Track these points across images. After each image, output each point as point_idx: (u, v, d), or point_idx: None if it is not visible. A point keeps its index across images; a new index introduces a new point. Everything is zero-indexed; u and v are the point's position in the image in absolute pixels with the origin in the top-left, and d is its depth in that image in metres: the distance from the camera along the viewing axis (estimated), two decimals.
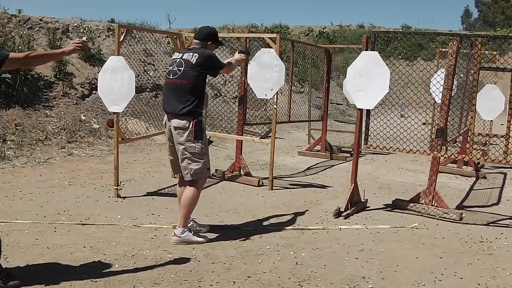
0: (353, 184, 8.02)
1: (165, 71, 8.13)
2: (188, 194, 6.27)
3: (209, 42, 6.49)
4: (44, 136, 12.12)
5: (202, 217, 7.34)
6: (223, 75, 16.93)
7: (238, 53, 7.09)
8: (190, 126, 6.11)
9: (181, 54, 6.42)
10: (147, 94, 16.08)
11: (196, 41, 6.48)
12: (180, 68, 6.24)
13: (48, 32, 15.66)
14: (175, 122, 6.18)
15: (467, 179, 11.06)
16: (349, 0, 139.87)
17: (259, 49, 9.38)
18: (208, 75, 6.43)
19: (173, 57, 6.58)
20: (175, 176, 6.67)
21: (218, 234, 6.65)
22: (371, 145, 8.20)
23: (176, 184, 9.05)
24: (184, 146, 6.18)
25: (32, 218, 7.06)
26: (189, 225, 6.41)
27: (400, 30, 26.32)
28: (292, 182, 10.02)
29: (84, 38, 5.23)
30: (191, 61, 6.23)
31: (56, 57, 5.65)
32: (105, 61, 15.21)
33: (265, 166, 11.26)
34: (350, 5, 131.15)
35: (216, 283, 5.18)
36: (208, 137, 10.58)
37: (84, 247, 6.04)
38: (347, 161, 12.40)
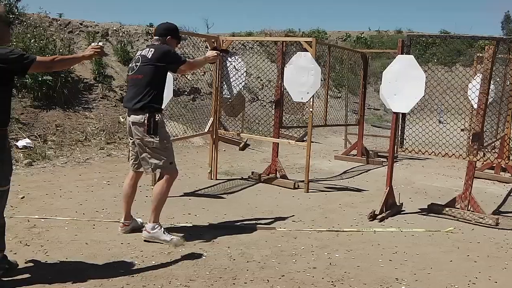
0: (388, 187, 8.03)
1: (203, 74, 8.21)
2: (156, 190, 6.31)
3: (169, 37, 6.47)
4: (84, 137, 12.32)
5: (238, 218, 7.44)
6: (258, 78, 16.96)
7: (211, 49, 7.11)
8: (144, 121, 6.09)
9: (140, 51, 6.44)
10: (184, 97, 16.24)
11: (155, 37, 6.50)
12: (137, 64, 6.25)
13: (88, 36, 15.92)
14: (132, 117, 6.17)
15: (504, 185, 10.97)
16: (387, 6, 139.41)
17: (295, 53, 9.42)
18: (168, 70, 6.44)
19: (135, 56, 6.54)
20: (134, 170, 6.60)
21: (253, 235, 6.73)
22: (406, 148, 8.20)
23: (212, 186, 9.21)
24: (142, 141, 6.18)
25: (72, 215, 7.21)
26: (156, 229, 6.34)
27: (436, 34, 26.17)
28: (327, 185, 10.06)
29: (101, 43, 5.33)
30: (147, 56, 6.21)
31: (78, 61, 5.77)
32: None
33: (301, 170, 11.29)
34: (388, 10, 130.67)
35: (250, 281, 5.25)
36: (245, 140, 10.69)
37: (121, 243, 6.16)
38: (383, 166, 12.38)
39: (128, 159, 6.79)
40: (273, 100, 16.63)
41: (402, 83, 7.66)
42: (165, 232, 6.32)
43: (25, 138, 11.29)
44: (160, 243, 6.19)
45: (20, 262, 5.48)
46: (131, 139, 6.43)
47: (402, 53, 7.92)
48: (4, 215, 4.95)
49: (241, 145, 11.96)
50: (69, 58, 5.45)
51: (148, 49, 6.33)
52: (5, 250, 5.08)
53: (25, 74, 4.87)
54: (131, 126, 6.21)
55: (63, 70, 13.28)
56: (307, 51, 9.14)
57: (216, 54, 7.04)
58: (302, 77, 8.95)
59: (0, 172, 4.72)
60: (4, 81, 4.61)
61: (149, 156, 6.21)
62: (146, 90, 6.12)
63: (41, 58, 4.90)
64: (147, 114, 6.07)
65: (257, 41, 21.22)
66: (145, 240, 6.23)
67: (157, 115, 6.16)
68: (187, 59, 6.76)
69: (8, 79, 4.65)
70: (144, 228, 6.34)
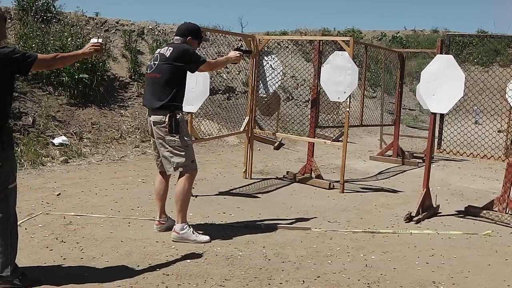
0: (425, 189, 7.94)
1: (238, 73, 8.16)
2: (177, 189, 6.27)
3: (189, 38, 6.45)
4: (119, 135, 12.39)
5: (273, 218, 7.42)
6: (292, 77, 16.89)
7: (234, 50, 7.03)
8: (166, 120, 6.08)
9: (160, 50, 6.43)
10: (220, 96, 16.24)
11: (176, 37, 6.48)
12: (155, 62, 6.24)
13: (124, 34, 15.99)
14: (153, 117, 6.16)
15: None
16: (423, 5, 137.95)
17: (331, 53, 9.37)
18: (187, 70, 6.36)
19: (154, 55, 6.53)
20: (160, 169, 6.59)
21: (288, 235, 6.69)
22: (444, 149, 8.10)
23: (247, 185, 9.19)
24: (163, 140, 6.17)
25: (107, 212, 7.24)
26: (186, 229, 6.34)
27: (475, 34, 25.87)
28: (363, 186, 9.99)
29: (100, 40, 5.23)
30: (166, 55, 6.21)
31: (78, 58, 5.73)
32: None
33: (336, 170, 11.24)
34: (424, 9, 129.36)
35: (285, 281, 5.22)
36: (279, 140, 10.66)
37: (156, 241, 6.17)
38: (419, 167, 12.26)
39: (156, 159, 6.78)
40: (307, 99, 16.59)
41: (441, 83, 7.56)
42: (194, 232, 6.33)
43: (61, 135, 11.38)
44: (190, 242, 6.20)
45: (56, 258, 5.54)
46: (153, 140, 6.42)
47: (441, 53, 7.82)
48: (39, 212, 4.96)
49: (275, 145, 11.92)
50: (70, 56, 5.41)
51: (167, 47, 6.34)
52: None
53: (28, 73, 4.83)
54: (152, 126, 6.22)
55: (99, 68, 13.39)
56: (344, 50, 9.08)
57: (239, 54, 6.95)
58: (339, 76, 8.89)
59: (6, 169, 4.70)
60: (6, 80, 4.62)
61: (171, 155, 6.20)
62: (165, 89, 6.13)
63: (42, 56, 4.88)
64: (168, 114, 6.07)
65: (292, 40, 21.14)
66: (173, 241, 6.23)
67: (177, 114, 6.15)
68: (207, 59, 6.72)
69: (10, 78, 4.66)
70: (173, 229, 6.33)
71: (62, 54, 5.24)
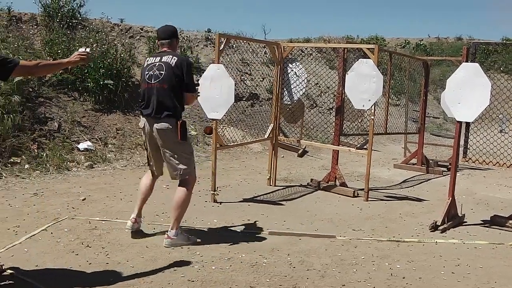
0: (450, 198, 7.89)
1: (261, 80, 8.13)
2: (180, 196, 6.29)
3: (175, 39, 6.50)
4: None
5: (297, 225, 7.41)
6: None
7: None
8: (175, 127, 6.09)
9: (159, 58, 6.35)
10: (243, 103, 16.26)
11: (164, 41, 6.44)
12: (161, 72, 6.19)
13: (148, 41, 16.10)
14: (159, 125, 6.12)
15: None
16: (447, 12, 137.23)
17: (355, 60, 9.34)
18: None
19: (149, 62, 6.44)
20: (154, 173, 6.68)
21: (313, 242, 6.67)
22: (470, 158, 8.05)
23: (271, 192, 9.18)
24: (171, 148, 6.19)
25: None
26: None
27: (501, 42, 25.67)
28: (387, 194, 9.93)
29: (88, 50, 5.19)
30: (171, 64, 6.20)
31: (63, 66, 5.68)
32: (203, 69, 15.61)
33: (360, 178, 11.21)
34: (448, 17, 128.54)
35: None
36: (303, 147, 10.64)
37: (181, 248, 6.18)
38: (444, 176, 12.18)
39: (148, 163, 6.80)
40: (331, 107, 16.56)
41: (467, 92, 7.51)
42: (184, 234, 6.43)
43: (86, 140, 11.46)
44: (184, 246, 6.27)
45: (82, 263, 5.58)
46: (152, 147, 6.43)
47: (467, 61, 7.77)
48: (65, 217, 4.99)
49: (299, 152, 11.90)
50: (54, 64, 5.40)
51: (170, 56, 6.30)
52: None
53: (7, 78, 4.76)
54: (157, 134, 6.18)
55: (123, 74, 13.47)
56: (368, 57, 9.05)
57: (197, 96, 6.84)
58: (364, 84, 8.85)
59: None
60: None
61: (177, 162, 6.23)
62: (171, 97, 6.15)
63: (24, 63, 4.86)
64: (177, 121, 6.11)
65: (316, 47, 21.12)
66: (166, 246, 6.24)
67: (185, 121, 6.23)
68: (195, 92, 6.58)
69: None
70: (166, 236, 6.32)
71: (46, 62, 5.23)
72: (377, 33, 33.02)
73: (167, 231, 6.35)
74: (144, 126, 6.37)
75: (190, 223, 7.27)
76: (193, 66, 6.32)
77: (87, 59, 5.18)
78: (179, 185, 6.37)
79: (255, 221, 7.54)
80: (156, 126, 6.16)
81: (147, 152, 6.70)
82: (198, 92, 6.75)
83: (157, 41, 6.70)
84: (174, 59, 6.25)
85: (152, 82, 6.23)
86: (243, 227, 7.23)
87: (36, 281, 5.06)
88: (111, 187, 9.08)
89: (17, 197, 8.24)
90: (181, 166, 6.24)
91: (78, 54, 5.08)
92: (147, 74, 6.33)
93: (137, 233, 6.62)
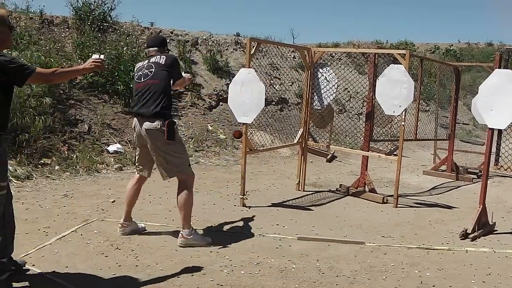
0: (481, 206, 7.80)
1: (290, 85, 8.13)
2: (182, 197, 6.31)
3: (162, 48, 6.58)
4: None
5: (326, 231, 7.38)
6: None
7: (184, 73, 7.16)
8: (162, 127, 6.08)
9: (147, 60, 6.46)
10: (272, 107, 16.25)
11: (154, 48, 6.52)
12: (151, 70, 6.26)
13: (178, 44, 16.17)
14: (147, 124, 6.13)
15: None
16: (477, 17, 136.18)
17: (384, 65, 9.28)
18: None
19: (138, 66, 6.57)
20: (139, 173, 6.70)
21: (342, 248, 6.64)
22: (502, 166, 7.96)
23: (300, 197, 9.16)
24: (158, 147, 6.18)
25: (161, 221, 7.30)
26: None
27: None
28: (416, 200, 9.85)
29: (102, 56, 5.24)
30: (161, 62, 6.28)
31: (78, 73, 5.81)
32: (233, 73, 15.67)
33: (388, 184, 11.14)
34: (478, 22, 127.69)
35: None
36: (332, 152, 10.61)
37: (210, 252, 6.20)
38: (474, 183, 12.07)
39: (135, 163, 6.88)
40: (360, 112, 16.49)
41: (499, 98, 7.41)
42: (198, 234, 6.52)
43: (115, 143, 11.52)
44: (197, 246, 6.33)
45: (111, 265, 5.62)
46: (141, 147, 6.45)
47: (499, 67, 7.69)
48: (95, 218, 5.01)
49: (328, 157, 11.90)
50: (70, 71, 5.48)
51: (157, 56, 6.39)
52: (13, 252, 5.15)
53: (22, 84, 4.83)
54: (146, 134, 6.18)
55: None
56: (399, 63, 9.00)
57: (190, 76, 7.33)
58: (395, 90, 8.79)
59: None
60: (3, 89, 4.65)
61: (165, 161, 6.24)
62: (162, 95, 6.19)
63: (41, 70, 4.91)
64: (167, 120, 6.12)
65: (345, 52, 21.06)
66: (180, 246, 6.31)
67: (174, 120, 6.26)
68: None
69: (6, 87, 4.69)
70: (180, 235, 6.39)
71: (62, 69, 5.30)
72: (406, 38, 32.83)
73: (180, 231, 6.42)
74: (135, 126, 6.42)
75: (219, 227, 7.28)
76: (178, 61, 6.49)
77: (102, 66, 5.23)
78: (178, 187, 6.39)
79: (283, 226, 7.51)
80: (144, 126, 6.17)
81: (135, 152, 6.73)
82: (189, 75, 7.14)
83: (146, 49, 6.78)
84: (163, 57, 6.36)
85: (142, 80, 6.31)
86: (272, 231, 7.20)
87: (67, 282, 5.11)
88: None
89: (47, 198, 8.31)
90: (171, 166, 6.26)
91: (93, 61, 5.14)
92: (136, 75, 6.45)
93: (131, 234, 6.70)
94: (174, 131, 6.17)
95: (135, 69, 6.61)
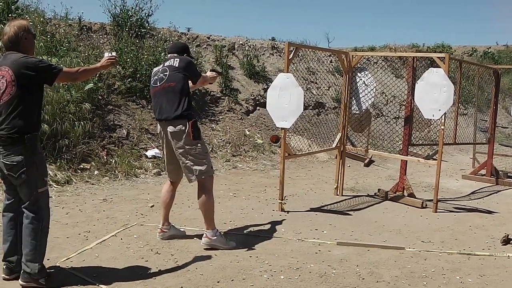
0: None
1: (327, 89, 8.10)
2: (203, 199, 6.34)
3: (185, 55, 6.58)
4: (210, 149, 12.52)
5: (365, 236, 7.34)
6: None
7: (210, 71, 7.17)
8: (187, 128, 6.11)
9: (162, 65, 6.51)
10: (309, 111, 16.22)
11: (173, 54, 6.54)
12: (165, 73, 6.28)
13: (215, 50, 16.23)
14: (171, 128, 6.16)
15: None
16: None
17: (422, 69, 9.20)
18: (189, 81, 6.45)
19: (154, 70, 6.61)
20: (169, 178, 6.83)
21: (381, 254, 6.59)
22: None
23: (338, 202, 9.13)
24: (184, 150, 6.18)
25: (200, 225, 7.28)
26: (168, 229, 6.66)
27: None
28: (456, 205, 9.75)
29: (114, 53, 5.51)
30: (175, 65, 6.29)
31: (98, 70, 6.03)
32: (269, 78, 15.68)
33: (427, 188, 11.05)
34: None
35: None
36: (370, 156, 10.56)
37: (250, 256, 6.20)
38: None
39: (165, 168, 6.99)
40: (397, 116, 16.38)
41: None
42: (223, 237, 6.53)
43: (154, 148, 11.60)
44: (220, 249, 6.37)
45: (151, 269, 5.67)
46: (167, 151, 6.52)
47: None
48: (134, 223, 5.04)
49: (366, 161, 11.82)
50: (91, 69, 5.71)
51: (171, 60, 6.43)
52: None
53: (52, 83, 5.09)
54: (170, 137, 6.24)
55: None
56: (438, 66, 8.91)
57: (216, 75, 7.16)
58: (434, 93, 8.71)
59: (34, 174, 4.94)
60: (34, 88, 4.91)
61: (192, 163, 6.24)
62: (180, 97, 6.20)
63: (67, 69, 5.26)
64: (190, 121, 6.16)
65: (381, 56, 20.95)
66: (205, 249, 6.36)
67: (197, 120, 6.31)
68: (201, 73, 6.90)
69: (37, 86, 4.95)
70: (204, 235, 6.44)
71: (85, 68, 5.62)
72: (444, 40, 32.50)
73: (204, 232, 6.49)
74: (160, 132, 6.48)
75: (258, 231, 7.29)
76: (193, 62, 6.52)
77: (116, 62, 5.55)
78: (198, 189, 6.42)
79: (322, 231, 7.49)
80: (169, 129, 6.21)
81: (164, 157, 6.78)
82: (214, 72, 7.15)
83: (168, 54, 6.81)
84: (177, 60, 6.38)
85: (158, 84, 6.34)
86: (311, 236, 7.18)
87: (109, 287, 5.14)
88: (179, 194, 9.09)
89: (87, 203, 8.40)
90: (197, 168, 6.26)
91: (108, 59, 5.43)
92: (152, 80, 6.49)
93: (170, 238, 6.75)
94: (199, 131, 6.26)
95: (152, 74, 6.67)
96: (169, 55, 6.63)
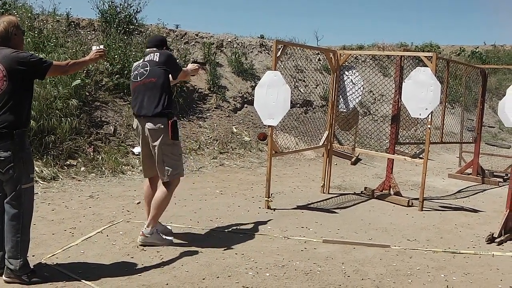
0: (508, 210, 7.73)
1: (315, 87, 8.11)
2: (161, 196, 6.29)
3: (164, 47, 6.52)
4: (197, 146, 12.53)
5: (351, 234, 7.37)
6: None
7: (192, 63, 7.09)
8: (166, 127, 6.05)
9: (142, 60, 6.46)
10: (297, 109, 16.23)
11: (151, 49, 6.45)
12: (146, 69, 6.20)
13: (203, 47, 16.20)
14: (150, 125, 6.09)
15: None
16: (503, 19, 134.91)
17: (409, 68, 9.22)
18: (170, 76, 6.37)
19: (134, 65, 6.54)
20: (144, 174, 6.77)
21: (367, 252, 6.61)
22: None
23: (324, 200, 9.14)
24: (160, 148, 6.13)
25: (186, 223, 7.33)
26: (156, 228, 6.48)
27: None
28: (442, 204, 9.79)
29: (101, 46, 5.60)
30: (155, 60, 6.23)
31: (87, 63, 6.05)
32: (257, 75, 15.67)
33: (413, 187, 11.09)
34: (504, 23, 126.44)
35: None
36: (357, 154, 10.58)
37: (236, 254, 6.21)
38: (500, 186, 11.96)
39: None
40: (384, 114, 16.41)
41: None
42: (159, 233, 6.46)
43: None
44: (157, 245, 6.32)
45: (137, 266, 5.68)
46: (144, 147, 6.43)
47: None
48: (120, 220, 5.03)
49: (353, 160, 11.86)
50: (80, 62, 5.72)
51: (151, 54, 6.35)
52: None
53: (44, 77, 5.11)
54: (148, 133, 6.16)
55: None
56: (426, 65, 8.94)
57: (197, 66, 7.03)
58: (421, 92, 8.73)
59: (21, 170, 4.93)
60: (25, 83, 4.94)
61: (165, 163, 6.21)
62: (161, 94, 6.13)
63: (57, 63, 5.29)
64: (170, 120, 6.10)
65: (369, 54, 20.99)
66: (140, 245, 6.30)
67: (177, 120, 6.24)
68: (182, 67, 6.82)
69: (28, 81, 4.98)
70: (140, 233, 6.37)
71: (74, 61, 5.66)
72: (432, 40, 32.52)
73: (142, 229, 6.43)
74: (137, 127, 6.42)
75: (244, 229, 7.30)
76: (174, 56, 6.48)
77: (104, 55, 5.62)
78: (161, 184, 6.38)
79: (308, 229, 7.50)
80: (147, 126, 6.14)
81: (141, 153, 6.73)
82: (196, 64, 7.04)
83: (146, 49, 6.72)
84: (157, 54, 6.31)
85: (138, 79, 6.27)
86: (297, 234, 7.20)
87: (94, 283, 5.13)
88: None
89: (73, 199, 8.38)
90: (169, 167, 6.23)
91: (97, 52, 5.53)
92: (133, 74, 6.42)
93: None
94: (178, 131, 6.19)
95: (132, 69, 6.61)
96: (148, 49, 6.54)
